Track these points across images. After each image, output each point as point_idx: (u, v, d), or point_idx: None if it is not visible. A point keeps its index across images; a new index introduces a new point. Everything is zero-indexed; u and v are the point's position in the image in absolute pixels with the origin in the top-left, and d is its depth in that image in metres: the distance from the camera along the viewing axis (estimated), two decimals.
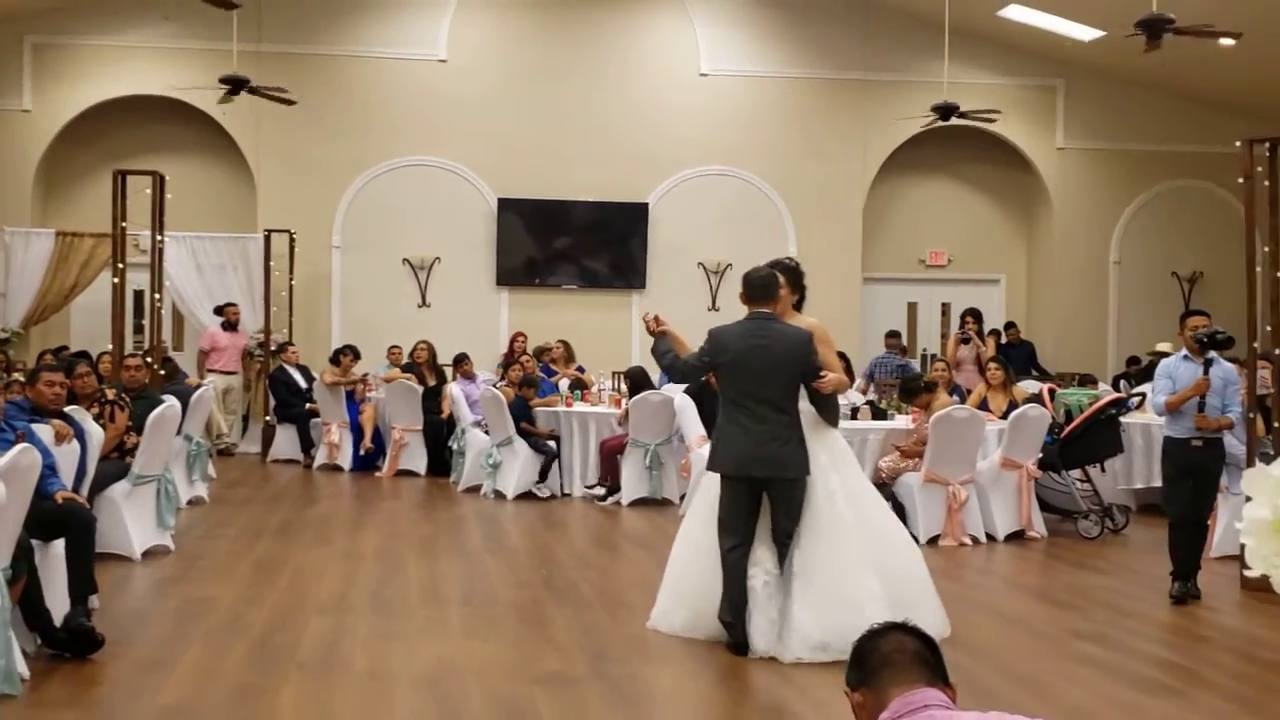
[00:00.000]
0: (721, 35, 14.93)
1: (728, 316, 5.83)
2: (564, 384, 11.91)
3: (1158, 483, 9.37)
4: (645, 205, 14.82)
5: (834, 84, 14.99)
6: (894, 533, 5.46)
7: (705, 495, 5.48)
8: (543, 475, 10.18)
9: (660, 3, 14.90)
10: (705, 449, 9.31)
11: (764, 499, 5.29)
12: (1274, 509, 1.39)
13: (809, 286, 5.66)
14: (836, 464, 5.34)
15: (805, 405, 5.34)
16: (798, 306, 5.54)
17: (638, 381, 10.43)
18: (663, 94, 14.82)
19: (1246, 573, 1.42)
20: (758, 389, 5.20)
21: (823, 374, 5.22)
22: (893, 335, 13.85)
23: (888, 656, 1.90)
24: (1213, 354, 6.50)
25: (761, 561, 5.25)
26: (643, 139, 14.80)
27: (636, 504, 9.86)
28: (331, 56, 14.35)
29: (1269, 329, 6.81)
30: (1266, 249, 7.64)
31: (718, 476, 5.32)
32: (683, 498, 9.63)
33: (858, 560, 5.15)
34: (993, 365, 9.86)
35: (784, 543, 5.24)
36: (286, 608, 5.86)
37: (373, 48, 14.44)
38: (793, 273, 5.50)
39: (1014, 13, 13.98)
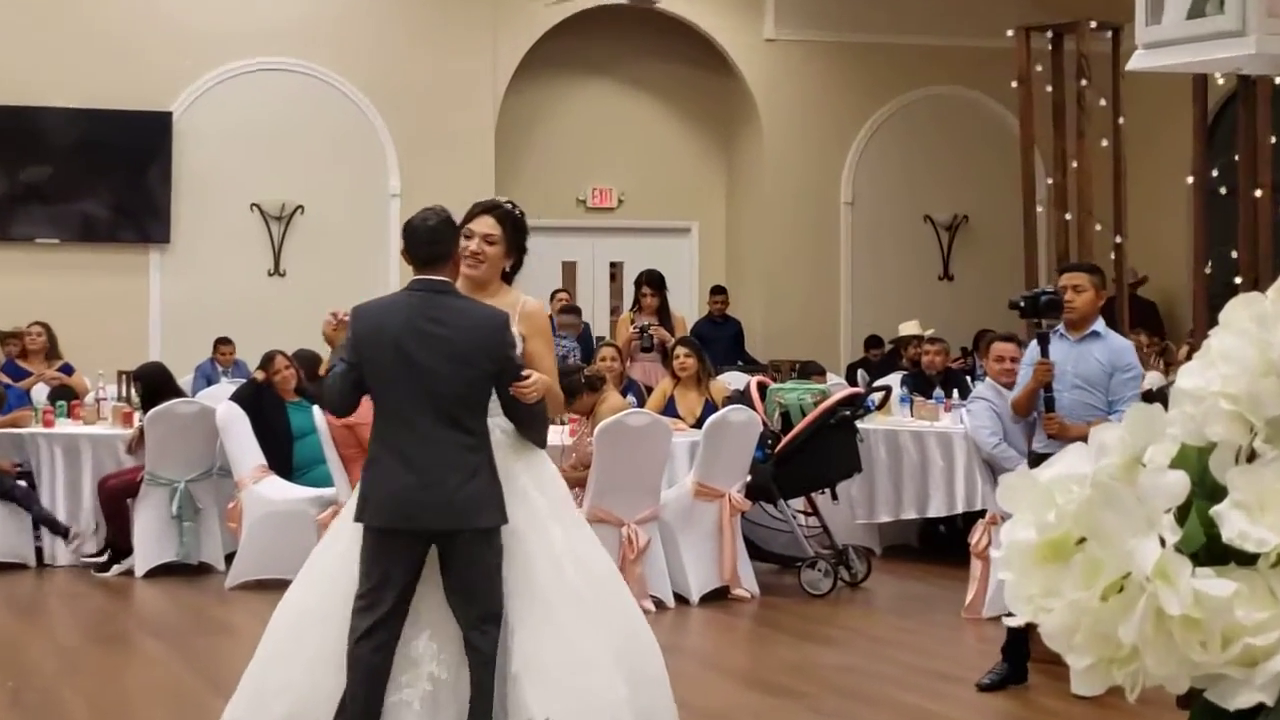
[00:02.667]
0: None
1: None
2: (40, 391, 11.59)
3: (911, 513, 10.19)
4: (167, 116, 14.43)
5: None
6: (633, 610, 5.61)
7: (328, 555, 5.37)
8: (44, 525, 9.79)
9: None
10: (267, 485, 9.37)
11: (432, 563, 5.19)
12: (1041, 528, 1.57)
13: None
14: (555, 509, 5.38)
15: (500, 420, 5.32)
16: (511, 275, 5.59)
17: (155, 385, 10.09)
18: None
19: (1007, 621, 1.58)
20: (423, 397, 5.15)
21: (525, 375, 5.19)
22: (569, 310, 14.17)
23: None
24: (1062, 329, 7.17)
25: (421, 661, 5.11)
26: (161, 18, 14.35)
27: (157, 573, 9.63)
28: None
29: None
30: (1050, 180, 8.54)
31: (351, 529, 5.22)
32: (230, 559, 9.49)
33: (603, 655, 5.17)
34: (682, 352, 10.32)
35: (478, 629, 5.09)
36: None
37: None
38: (516, 226, 5.53)
39: None
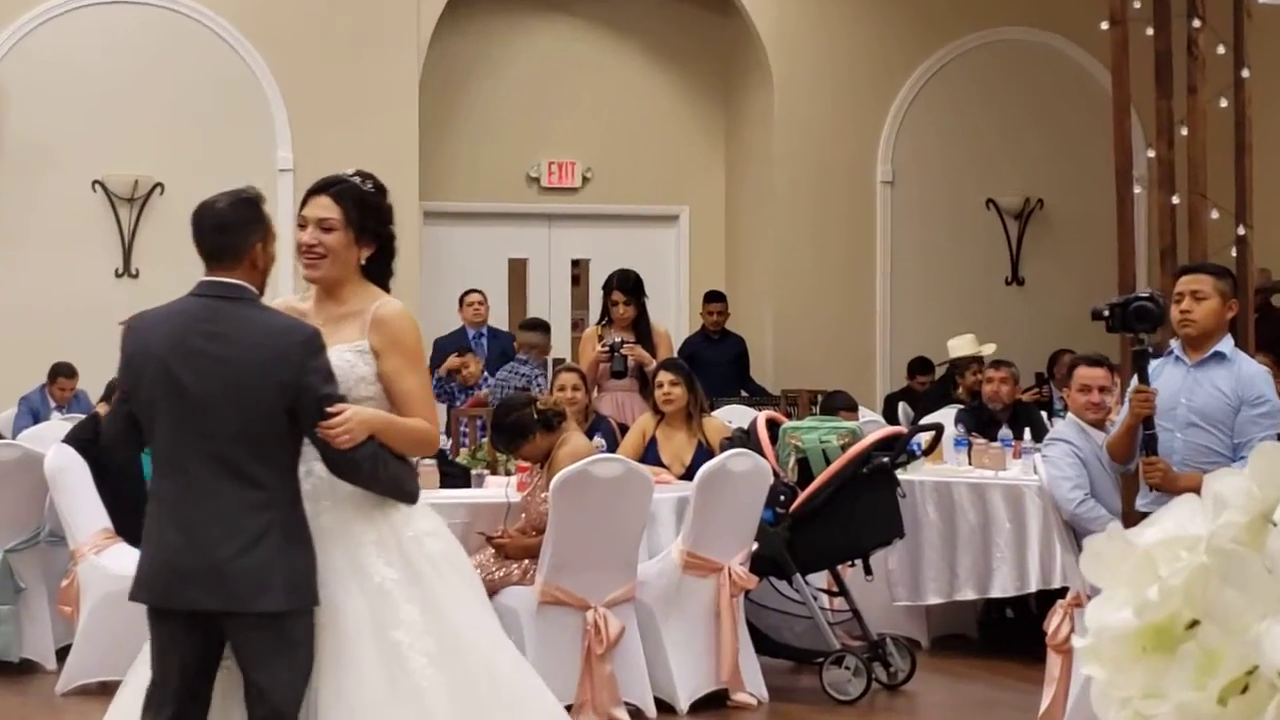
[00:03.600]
0: None
1: (160, 290, 5.78)
2: None
3: (969, 594, 10.19)
4: None
5: None
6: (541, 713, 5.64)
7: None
8: None
9: None
10: (112, 555, 9.26)
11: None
12: (1140, 608, 1.57)
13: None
14: (415, 579, 5.41)
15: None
16: (378, 274, 5.64)
17: None
18: None
19: None
20: (195, 437, 5.23)
21: (333, 409, 5.19)
22: (534, 327, 14.13)
23: None
24: (1177, 349, 7.23)
25: None
26: None
27: None
28: None
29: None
30: (1152, 152, 8.51)
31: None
32: (64, 654, 9.42)
33: None
34: (666, 379, 10.31)
35: None
36: None
37: None
38: (363, 203, 5.57)
39: None
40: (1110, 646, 1.62)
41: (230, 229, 5.40)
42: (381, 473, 5.38)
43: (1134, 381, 7.19)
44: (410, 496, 5.53)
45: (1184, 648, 1.57)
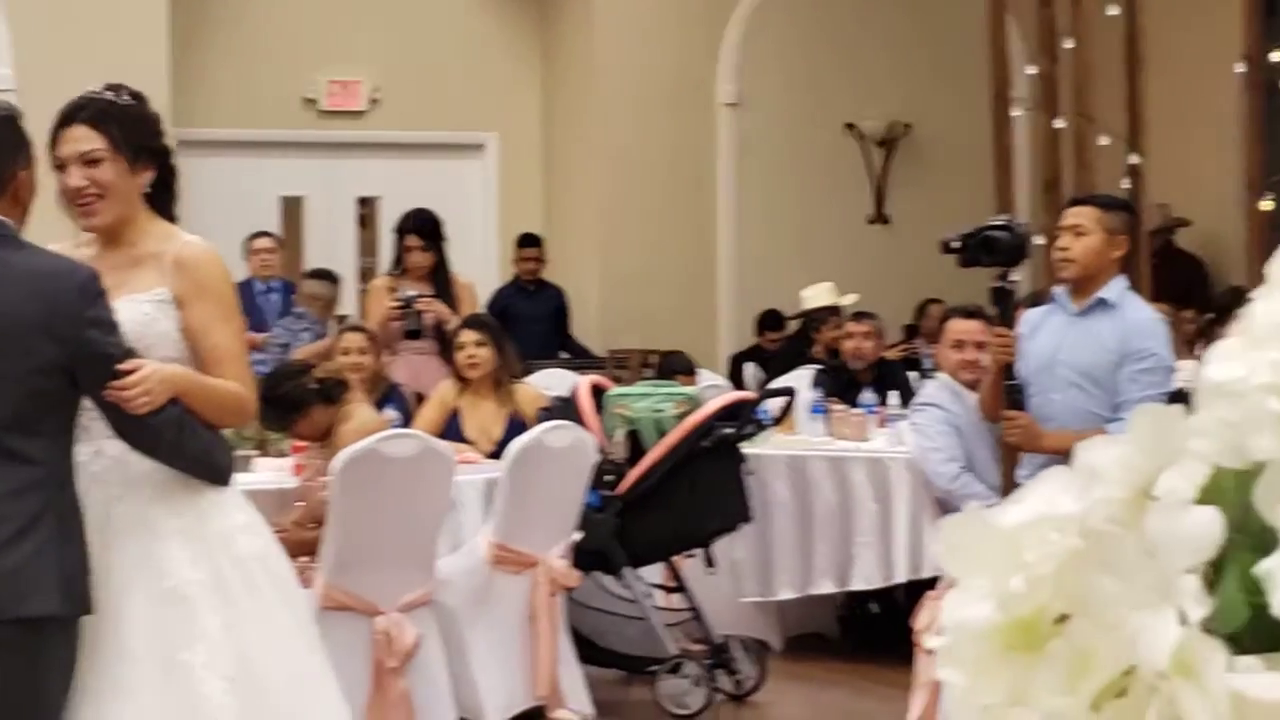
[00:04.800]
0: None
1: None
2: None
3: (827, 586, 10.24)
4: None
5: None
6: None
7: None
8: None
9: None
10: None
11: None
12: (1003, 601, 1.58)
13: None
14: (221, 585, 5.34)
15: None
16: (162, 204, 5.59)
17: None
18: None
19: None
20: None
21: (126, 366, 5.12)
22: (318, 276, 14.03)
23: None
24: (1061, 294, 7.40)
25: None
26: None
27: None
28: None
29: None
30: (1033, 69, 8.54)
31: None
32: None
33: None
34: (471, 339, 10.27)
35: None
36: None
37: None
38: (128, 122, 5.48)
39: None
40: (969, 646, 1.62)
41: None
42: (189, 444, 5.29)
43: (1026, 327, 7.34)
44: (221, 475, 5.45)
45: (1053, 646, 1.58)
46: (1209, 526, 1.55)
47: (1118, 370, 7.15)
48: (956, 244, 7.31)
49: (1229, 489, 1.58)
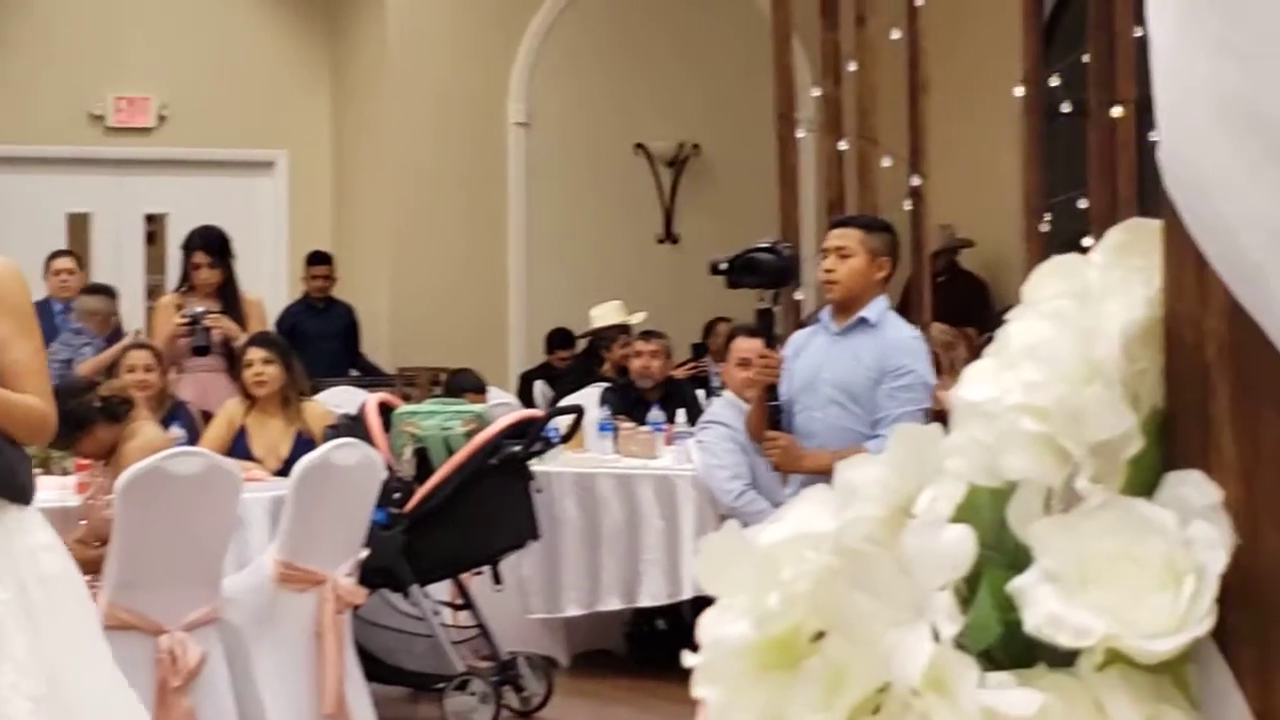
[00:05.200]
0: None
1: None
2: None
3: (614, 603, 10.24)
4: None
5: None
6: None
7: None
8: None
9: None
10: None
11: None
12: (760, 619, 1.58)
13: None
14: (26, 604, 5.30)
15: None
16: None
17: None
18: None
19: None
20: None
21: None
22: (96, 291, 13.89)
23: None
24: (821, 315, 7.47)
25: None
26: None
27: None
28: None
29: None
30: (818, 91, 8.62)
31: None
32: None
33: None
34: (258, 356, 10.17)
35: None
36: None
37: None
38: None
39: None
40: (727, 664, 1.63)
41: None
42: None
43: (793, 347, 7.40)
44: (23, 494, 5.42)
45: (809, 663, 1.59)
46: (962, 544, 1.56)
47: (876, 387, 7.22)
48: (723, 266, 7.36)
49: (984, 507, 1.60)
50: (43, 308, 13.74)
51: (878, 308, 7.36)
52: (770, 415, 7.19)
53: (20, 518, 5.37)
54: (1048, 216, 8.71)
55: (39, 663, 5.23)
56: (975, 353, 12.01)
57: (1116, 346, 1.58)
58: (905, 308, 9.93)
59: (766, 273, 7.28)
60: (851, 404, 7.20)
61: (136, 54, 16.38)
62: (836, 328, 7.38)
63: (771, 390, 7.20)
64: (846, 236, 7.39)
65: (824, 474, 6.86)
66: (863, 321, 7.32)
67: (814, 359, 7.34)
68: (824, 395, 7.25)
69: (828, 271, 7.31)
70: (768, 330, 7.29)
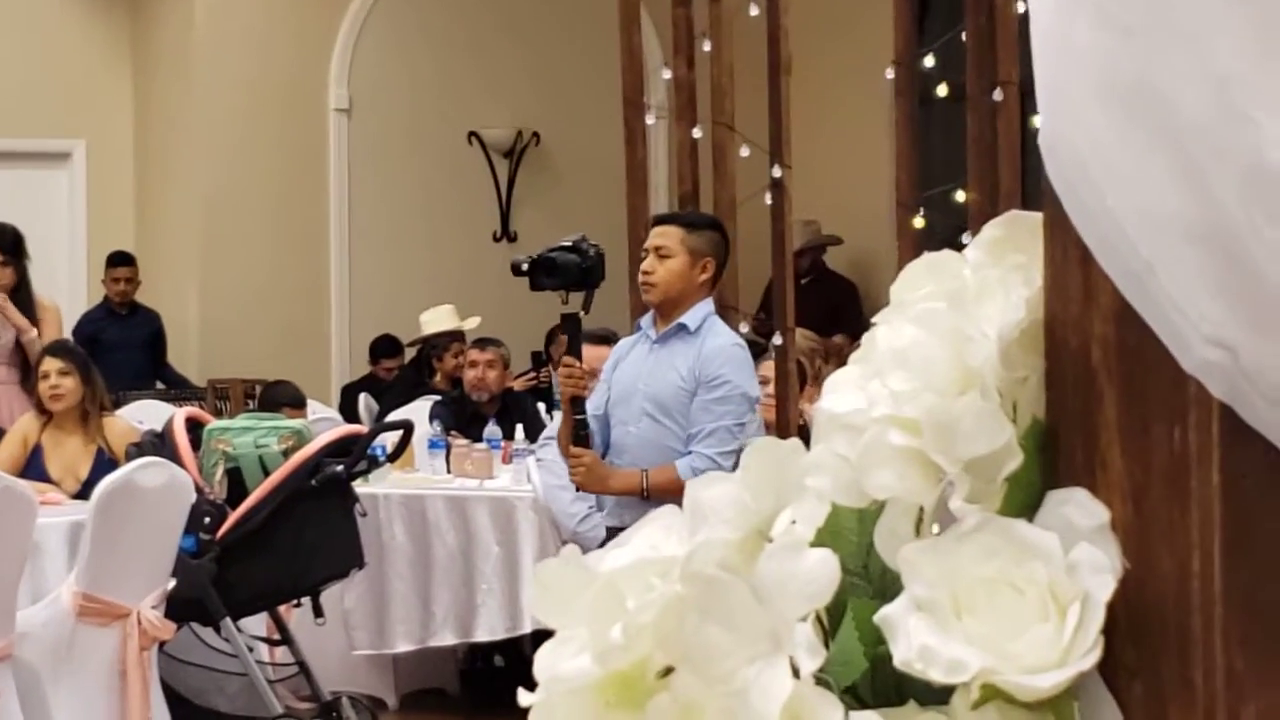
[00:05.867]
0: None
1: None
2: None
3: (447, 638, 10.23)
4: None
5: None
6: None
7: None
8: None
9: None
10: None
11: None
12: (602, 653, 1.57)
13: None
14: None
15: None
16: None
17: None
18: None
19: None
20: None
21: None
22: None
23: None
24: (642, 322, 7.49)
25: None
26: None
27: None
28: None
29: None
30: (669, 73, 8.62)
31: None
32: None
33: None
34: (54, 367, 10.12)
35: None
36: None
37: None
38: None
39: None
40: (566, 702, 1.62)
41: None
42: None
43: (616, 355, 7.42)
44: None
45: (656, 701, 1.58)
46: (824, 570, 1.55)
47: (691, 399, 7.21)
48: (524, 266, 7.37)
49: (848, 530, 1.59)
50: None
51: (698, 313, 7.37)
52: (575, 430, 7.19)
53: None
54: (922, 211, 8.72)
55: None
56: (843, 360, 12.12)
57: (993, 352, 1.58)
58: (767, 311, 9.96)
59: (568, 274, 7.28)
60: (664, 417, 7.20)
61: None
62: (654, 335, 7.39)
63: (577, 403, 7.20)
64: (666, 235, 7.40)
65: (632, 495, 6.89)
66: (681, 328, 7.32)
67: (632, 369, 7.36)
68: (638, 408, 7.26)
69: (645, 274, 7.32)
70: (571, 337, 7.29)
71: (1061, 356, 1.58)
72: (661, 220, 7.69)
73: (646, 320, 7.45)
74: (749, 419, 7.27)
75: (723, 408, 7.15)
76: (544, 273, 7.36)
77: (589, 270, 7.40)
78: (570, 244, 7.49)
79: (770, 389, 8.65)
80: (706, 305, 7.38)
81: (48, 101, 16.71)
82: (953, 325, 1.60)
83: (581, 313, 7.44)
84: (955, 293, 1.62)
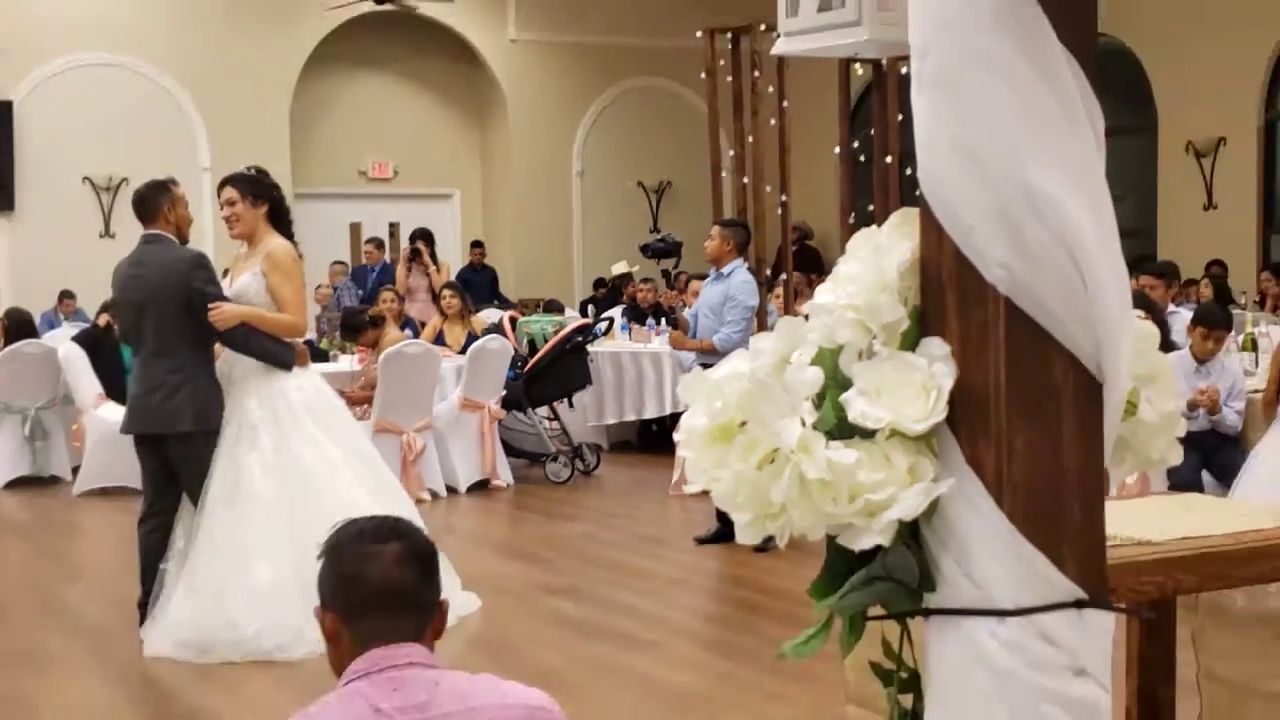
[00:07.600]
0: None
1: (128, 246, 5.57)
2: None
3: (630, 416, 10.22)
4: (8, 105, 13.56)
5: None
6: (339, 507, 5.51)
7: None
8: None
9: None
10: (105, 410, 8.91)
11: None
12: (711, 414, 1.58)
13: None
14: (273, 422, 5.27)
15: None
16: (280, 223, 5.44)
17: (19, 325, 9.87)
18: None
19: (687, 489, 1.60)
20: (137, 330, 5.25)
21: (213, 305, 5.13)
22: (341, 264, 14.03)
23: (379, 598, 1.88)
24: (714, 269, 7.13)
25: (181, 538, 5.27)
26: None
27: (16, 485, 9.21)
28: None
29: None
30: (732, 152, 8.58)
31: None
32: (76, 471, 9.06)
33: (254, 545, 5.10)
34: (447, 293, 10.17)
35: (192, 510, 5.27)
36: None
37: None
38: (250, 183, 5.42)
39: None
40: (695, 438, 1.62)
41: (142, 202, 5.37)
42: (253, 345, 5.31)
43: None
44: (284, 364, 5.38)
45: (737, 438, 1.58)
46: (816, 377, 1.55)
47: (723, 307, 6.98)
48: (649, 247, 7.20)
49: (828, 358, 1.58)
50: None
51: (730, 267, 7.02)
52: (673, 323, 7.08)
53: (281, 375, 5.39)
54: (852, 216, 8.61)
55: (278, 450, 5.26)
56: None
57: (895, 273, 1.56)
58: (775, 268, 9.77)
59: (668, 251, 7.11)
60: (712, 314, 7.00)
61: (383, 137, 16.29)
62: (713, 275, 7.18)
63: (669, 313, 7.05)
64: (713, 230, 7.15)
65: (698, 350, 6.64)
66: (721, 275, 7.02)
67: (705, 293, 7.13)
68: (704, 310, 7.05)
69: (707, 249, 7.09)
70: (668, 279, 7.10)
71: (928, 274, 1.56)
72: (717, 223, 7.47)
73: (712, 270, 7.26)
74: (748, 316, 7.04)
75: (735, 312, 6.98)
76: (658, 252, 7.19)
77: (671, 251, 7.22)
78: (660, 237, 7.35)
79: (780, 299, 8.54)
80: (736, 262, 7.11)
81: (442, 169, 16.67)
82: (875, 261, 1.58)
83: (673, 269, 7.25)
84: (877, 246, 1.61)
